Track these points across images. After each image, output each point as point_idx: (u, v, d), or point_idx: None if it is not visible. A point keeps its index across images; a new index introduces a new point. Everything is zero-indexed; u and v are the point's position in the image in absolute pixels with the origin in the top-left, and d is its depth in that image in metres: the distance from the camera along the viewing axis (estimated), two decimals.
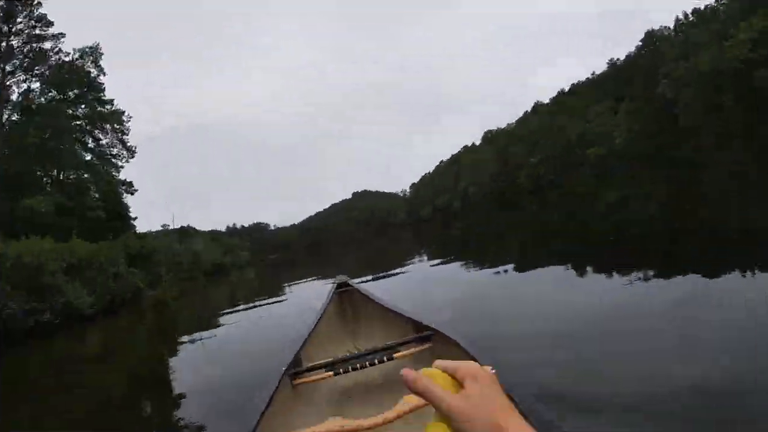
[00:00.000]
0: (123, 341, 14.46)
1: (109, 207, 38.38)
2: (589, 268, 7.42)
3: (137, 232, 42.46)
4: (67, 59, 45.02)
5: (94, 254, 26.56)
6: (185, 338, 12.02)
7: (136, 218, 45.72)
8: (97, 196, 39.30)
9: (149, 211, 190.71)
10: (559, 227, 16.74)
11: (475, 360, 2.07)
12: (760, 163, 18.44)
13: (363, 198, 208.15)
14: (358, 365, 3.04)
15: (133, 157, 47.82)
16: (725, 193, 12.32)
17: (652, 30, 79.86)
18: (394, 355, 3.06)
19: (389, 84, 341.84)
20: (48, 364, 12.11)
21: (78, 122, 45.76)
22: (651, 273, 6.04)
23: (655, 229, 10.13)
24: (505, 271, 9.58)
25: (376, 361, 3.05)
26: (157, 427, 5.34)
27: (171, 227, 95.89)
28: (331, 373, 3.02)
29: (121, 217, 40.24)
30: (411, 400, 2.06)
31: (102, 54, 46.88)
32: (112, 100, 47.60)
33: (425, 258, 19.18)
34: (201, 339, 11.00)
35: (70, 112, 45.25)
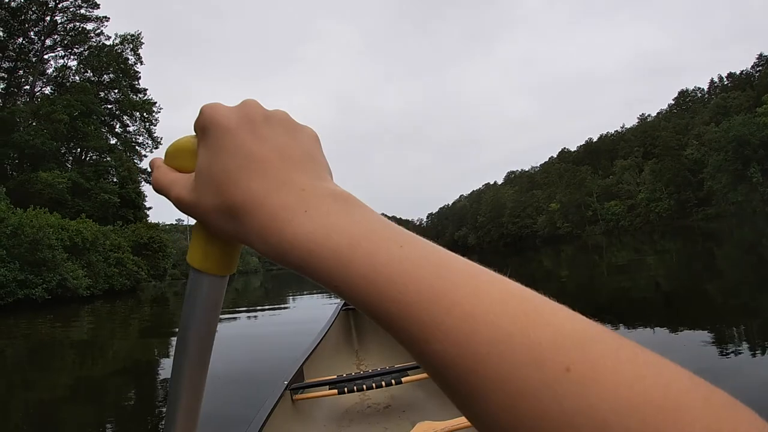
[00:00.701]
0: (114, 330, 14.10)
1: (125, 193, 38.43)
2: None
3: (149, 222, 42.42)
4: (107, 42, 46.10)
5: (99, 237, 26.50)
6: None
7: (150, 208, 45.96)
8: (115, 180, 39.44)
9: (166, 204, 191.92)
10: (571, 282, 16.25)
11: None
12: None
13: None
14: (363, 386, 2.94)
15: (157, 147, 48.25)
16: (735, 271, 12.04)
17: (686, 90, 79.88)
18: (403, 380, 2.95)
19: (419, 115, 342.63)
20: (29, 339, 11.85)
21: (109, 106, 46.37)
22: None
23: (657, 295, 10.07)
24: None
25: (383, 384, 2.93)
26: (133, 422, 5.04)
27: (185, 223, 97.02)
28: (334, 391, 2.92)
29: (135, 205, 40.21)
30: (426, 429, 1.94)
31: (142, 43, 47.92)
32: (145, 90, 48.54)
33: None
34: None
35: (103, 95, 45.91)
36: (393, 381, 2.95)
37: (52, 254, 19.67)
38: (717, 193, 54.37)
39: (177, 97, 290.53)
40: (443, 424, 1.98)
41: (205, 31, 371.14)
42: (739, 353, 4.75)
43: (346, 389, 2.92)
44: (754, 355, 4.66)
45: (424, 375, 2.87)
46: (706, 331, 5.85)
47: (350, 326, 4.85)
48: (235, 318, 14.27)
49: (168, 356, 9.14)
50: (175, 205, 0.35)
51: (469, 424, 1.49)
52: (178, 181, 0.35)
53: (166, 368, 7.59)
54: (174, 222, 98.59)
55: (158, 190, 0.36)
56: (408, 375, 3.01)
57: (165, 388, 6.12)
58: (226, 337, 10.86)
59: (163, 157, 0.38)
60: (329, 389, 2.95)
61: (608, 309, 8.76)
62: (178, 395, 0.39)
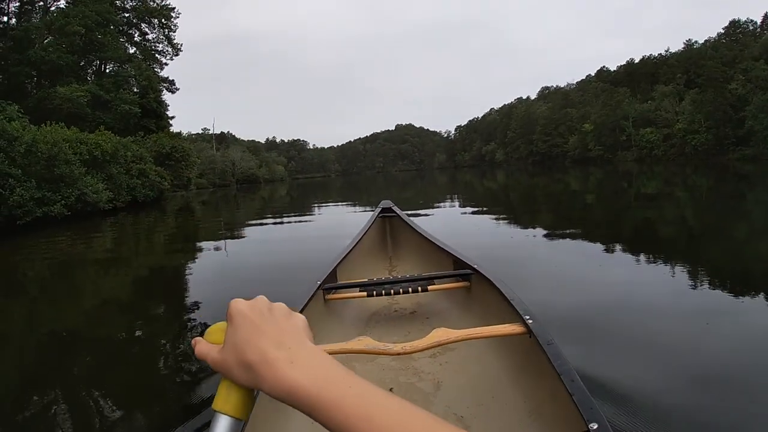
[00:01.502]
0: (138, 242, 14.16)
1: (146, 103, 37.88)
2: (615, 256, 7.25)
3: (171, 131, 42.09)
4: None
5: (119, 149, 26.25)
6: (207, 245, 12.02)
7: (173, 117, 45.65)
8: (136, 90, 38.79)
9: (191, 113, 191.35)
10: (596, 207, 16.10)
11: (510, 304, 2.26)
12: None
13: (406, 131, 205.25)
14: (392, 290, 3.08)
15: (177, 54, 47.43)
16: (764, 216, 11.62)
17: (737, 20, 75.17)
18: (429, 287, 3.10)
19: (450, 22, 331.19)
20: (50, 258, 11.73)
21: (126, 15, 45.10)
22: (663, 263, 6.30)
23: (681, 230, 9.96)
24: (534, 235, 9.59)
25: (410, 290, 3.08)
26: (165, 337, 4.99)
27: (211, 131, 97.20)
28: (364, 293, 3.06)
29: (157, 115, 39.82)
30: (440, 335, 2.09)
31: None
32: None
33: (456, 203, 19.83)
34: (225, 248, 11.08)
35: (120, 3, 44.54)
36: (419, 288, 3.09)
37: (70, 169, 19.46)
38: (757, 134, 51.80)
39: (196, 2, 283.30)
40: (458, 333, 2.10)
41: None
42: (756, 296, 4.72)
43: (375, 292, 3.06)
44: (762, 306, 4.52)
45: (449, 285, 3.17)
46: (724, 273, 5.82)
47: (386, 232, 5.05)
48: (263, 227, 14.73)
49: (195, 261, 9.72)
50: (211, 365, 0.55)
51: (482, 334, 2.09)
52: (213, 349, 0.54)
53: (192, 278, 7.87)
54: (200, 131, 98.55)
55: (200, 357, 0.56)
56: (434, 283, 3.14)
57: (193, 295, 6.58)
58: (250, 246, 11.25)
59: (203, 336, 0.58)
60: (360, 291, 3.09)
61: (629, 240, 8.71)
62: None
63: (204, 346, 0.56)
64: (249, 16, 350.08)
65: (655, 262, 6.46)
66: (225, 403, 0.53)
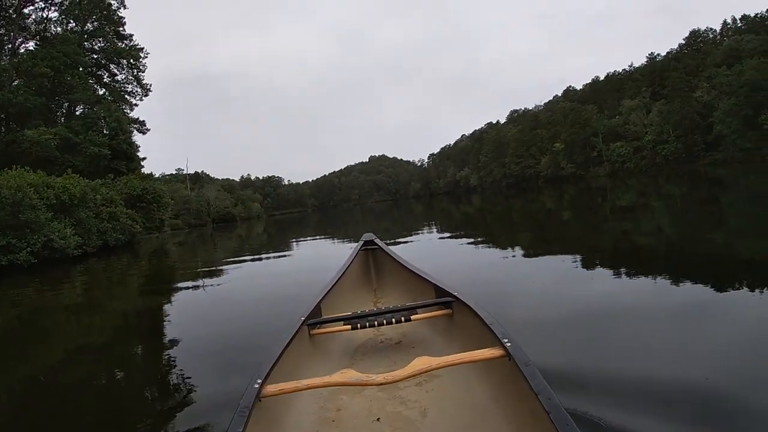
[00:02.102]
0: (111, 287, 13.42)
1: (116, 145, 37.26)
2: (596, 268, 7.29)
3: (142, 173, 41.41)
4: None
5: (88, 192, 25.58)
6: (185, 286, 11.47)
7: (144, 159, 44.97)
8: (105, 132, 38.15)
9: (163, 154, 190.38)
10: (572, 223, 16.11)
11: (491, 331, 2.32)
12: None
13: (380, 162, 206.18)
14: (375, 322, 3.12)
15: (147, 95, 47.00)
16: (738, 219, 11.70)
17: (698, 30, 77.36)
18: (412, 317, 3.16)
19: (420, 51, 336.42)
20: (18, 306, 11.12)
21: (95, 56, 44.80)
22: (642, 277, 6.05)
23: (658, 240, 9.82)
24: (512, 255, 9.53)
25: (393, 321, 3.13)
26: (146, 380, 4.69)
27: (185, 172, 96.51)
28: (348, 326, 3.12)
29: (127, 156, 39.14)
30: (423, 363, 2.13)
31: None
32: (131, 35, 46.55)
33: (434, 230, 19.36)
34: (203, 288, 10.62)
35: (88, 45, 44.27)
36: (403, 318, 3.13)
37: (35, 215, 18.83)
38: (726, 138, 53.30)
39: (172, 39, 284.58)
40: (440, 360, 2.15)
41: None
42: (735, 299, 4.65)
43: (359, 325, 3.10)
44: (748, 300, 4.51)
45: (432, 313, 3.22)
46: (704, 278, 5.72)
47: (369, 265, 5.10)
48: (241, 264, 14.18)
49: (172, 302, 9.25)
50: None
51: (463, 359, 2.18)
52: None
53: (170, 319, 7.63)
54: (174, 172, 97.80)
55: None
56: (417, 313, 3.20)
57: (172, 337, 6.22)
58: (230, 286, 10.57)
59: None
60: (344, 324, 3.15)
61: (608, 252, 8.74)
62: None
63: None
64: (220, 55, 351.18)
65: (633, 272, 6.43)
66: None
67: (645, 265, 6.74)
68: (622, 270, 6.52)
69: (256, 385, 2.07)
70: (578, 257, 8.13)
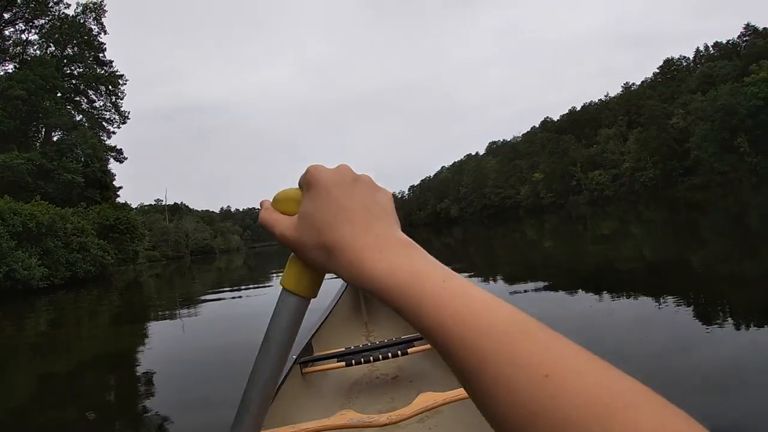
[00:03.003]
0: (80, 323, 12.67)
1: (91, 172, 36.27)
2: (578, 293, 7.53)
3: (117, 202, 40.54)
4: (68, 11, 43.59)
5: (57, 221, 24.54)
6: (161, 323, 10.97)
7: (121, 188, 44.19)
8: (82, 159, 37.17)
9: (143, 185, 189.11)
10: (553, 253, 16.01)
11: None
12: (761, 217, 17.47)
13: None
14: (371, 358, 2.96)
15: (125, 122, 46.49)
16: (719, 241, 12.08)
17: (671, 58, 79.30)
18: (409, 350, 2.96)
19: (397, 85, 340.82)
20: None
21: (74, 82, 44.23)
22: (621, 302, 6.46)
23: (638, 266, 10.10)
24: (495, 286, 9.46)
25: (389, 355, 2.95)
26: (115, 424, 4.49)
27: (164, 203, 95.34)
28: (342, 363, 2.93)
29: (102, 185, 38.10)
30: (426, 399, 2.02)
31: (105, 11, 45.21)
32: (111, 62, 46.17)
33: None
34: (181, 325, 10.17)
35: (68, 70, 43.74)
36: (399, 352, 2.93)
37: None
38: (703, 162, 54.24)
39: (153, 71, 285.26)
40: (444, 395, 2.01)
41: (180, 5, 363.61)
42: (719, 323, 4.82)
43: (353, 361, 2.93)
44: (735, 325, 4.69)
45: (428, 346, 2.51)
46: (688, 301, 5.87)
47: (359, 297, 4.83)
48: (221, 299, 13.64)
49: (147, 341, 8.80)
50: (278, 239, 0.47)
51: (468, 395, 1.55)
52: (283, 221, 0.46)
53: (145, 359, 7.11)
54: (153, 202, 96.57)
55: (264, 224, 0.47)
56: (414, 345, 2.99)
57: (145, 381, 5.81)
58: (221, 315, 10.69)
59: (270, 200, 0.49)
60: (338, 361, 2.97)
61: (592, 279, 8.81)
62: (251, 396, 0.48)
63: (271, 215, 0.48)
64: (199, 87, 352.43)
65: (615, 298, 6.67)
66: (296, 283, 0.47)
67: (625, 292, 6.98)
68: (604, 297, 6.81)
69: None
70: (560, 287, 8.26)
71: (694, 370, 3.59)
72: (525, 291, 8.57)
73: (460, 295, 0.35)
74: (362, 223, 0.42)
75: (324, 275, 0.47)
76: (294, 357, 2.87)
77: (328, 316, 3.94)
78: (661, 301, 5.94)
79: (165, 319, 11.62)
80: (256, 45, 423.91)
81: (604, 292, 7.10)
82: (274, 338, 0.47)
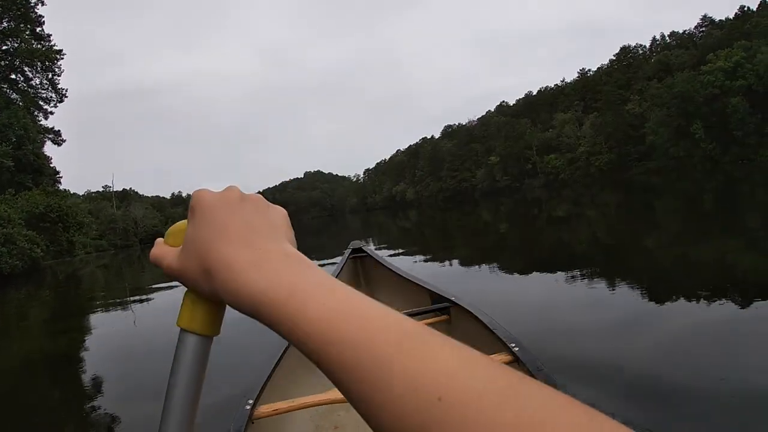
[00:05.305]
0: (6, 325, 11.28)
1: (22, 155, 33.48)
2: (533, 273, 7.78)
3: (55, 188, 37.39)
4: None
5: None
6: (109, 317, 10.12)
7: (59, 174, 41.35)
8: (13, 140, 34.19)
9: (91, 170, 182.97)
10: (508, 236, 16.11)
11: (494, 333, 2.36)
12: (716, 200, 17.37)
13: (315, 178, 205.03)
14: None
15: (62, 101, 43.54)
16: (672, 224, 12.28)
17: (628, 46, 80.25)
18: None
19: (352, 70, 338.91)
20: None
21: (9, 58, 41.08)
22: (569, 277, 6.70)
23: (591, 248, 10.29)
24: (449, 263, 9.82)
25: None
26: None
27: (112, 189, 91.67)
28: None
29: (34, 169, 35.33)
30: None
31: None
32: (49, 36, 42.93)
33: (372, 246, 17.82)
34: (133, 319, 9.56)
35: (4, 47, 40.65)
36: None
37: None
38: (658, 147, 55.06)
39: (99, 54, 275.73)
40: None
41: None
42: (671, 302, 4.89)
43: None
44: (686, 302, 4.80)
45: (428, 320, 3.02)
46: (640, 282, 5.92)
47: (358, 274, 4.95)
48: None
49: (93, 338, 8.30)
50: (166, 272, 0.43)
51: None
52: (169, 253, 0.43)
53: (86, 361, 6.53)
54: (101, 189, 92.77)
55: (153, 260, 0.44)
56: (417, 318, 1.62)
57: (88, 383, 5.38)
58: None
59: (163, 238, 0.46)
60: None
61: (546, 261, 8.83)
62: None
63: (159, 249, 0.44)
64: (147, 70, 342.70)
65: (569, 276, 6.73)
66: (191, 320, 0.42)
67: (578, 271, 7.02)
68: (558, 277, 6.88)
69: (248, 407, 1.95)
70: (515, 268, 8.57)
71: (645, 348, 3.70)
72: (479, 271, 8.78)
73: (342, 314, 0.32)
74: (242, 240, 0.39)
75: (224, 308, 0.43)
76: None
77: None
78: (615, 281, 6.06)
79: (109, 314, 10.56)
80: (207, 28, 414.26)
81: (558, 272, 7.15)
82: (179, 386, 0.42)
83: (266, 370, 2.36)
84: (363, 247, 5.11)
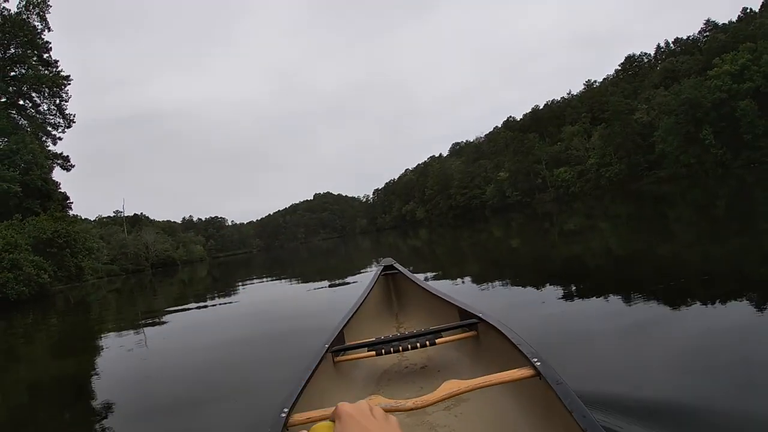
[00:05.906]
0: (11, 352, 10.82)
1: (30, 181, 33.45)
2: (547, 288, 7.44)
3: (63, 213, 36.99)
4: (7, 5, 41.23)
5: None
6: (120, 343, 9.42)
7: (69, 200, 41.43)
8: (22, 165, 34.23)
9: (102, 196, 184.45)
10: (520, 251, 15.55)
11: (518, 349, 2.34)
12: (728, 207, 17.15)
13: (325, 199, 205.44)
14: (400, 347, 3.08)
15: (70, 126, 43.84)
16: (686, 233, 11.98)
17: (632, 55, 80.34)
18: (437, 341, 3.10)
19: (359, 91, 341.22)
20: None
21: (17, 85, 41.50)
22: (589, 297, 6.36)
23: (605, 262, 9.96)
24: (463, 284, 9.46)
25: (418, 345, 3.07)
26: None
27: (123, 214, 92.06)
28: (373, 353, 3.07)
29: (43, 194, 35.29)
30: (451, 386, 2.11)
31: (49, 6, 42.40)
32: (57, 62, 43.45)
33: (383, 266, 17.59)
34: (145, 343, 9.06)
35: (12, 73, 41.11)
36: (428, 342, 3.07)
37: None
38: (668, 155, 54.61)
39: (108, 80, 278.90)
40: (468, 383, 2.12)
41: (134, 11, 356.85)
42: (688, 312, 4.72)
43: (383, 350, 3.05)
44: (702, 312, 4.63)
45: (457, 336, 3.17)
46: (657, 293, 5.67)
47: (390, 290, 5.06)
48: (186, 310, 13.14)
49: (104, 365, 7.55)
50: None
51: (492, 381, 2.16)
52: None
53: (95, 384, 6.27)
54: (112, 214, 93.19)
55: None
56: (442, 336, 3.12)
57: (98, 406, 5.12)
58: (187, 329, 9.89)
59: None
60: (368, 350, 3.09)
61: (560, 276, 8.58)
62: None
63: None
64: (157, 95, 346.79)
65: (584, 290, 6.70)
66: None
67: (594, 285, 6.98)
68: (573, 290, 6.76)
69: (283, 414, 2.05)
70: (528, 282, 8.29)
71: (663, 356, 3.60)
72: (493, 289, 8.39)
73: None
74: None
75: None
76: (326, 346, 2.94)
77: (359, 307, 4.03)
78: (630, 293, 5.81)
79: (120, 337, 10.03)
80: (217, 56, 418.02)
81: (572, 286, 7.02)
82: None
83: (301, 379, 2.41)
84: (394, 264, 5.25)
